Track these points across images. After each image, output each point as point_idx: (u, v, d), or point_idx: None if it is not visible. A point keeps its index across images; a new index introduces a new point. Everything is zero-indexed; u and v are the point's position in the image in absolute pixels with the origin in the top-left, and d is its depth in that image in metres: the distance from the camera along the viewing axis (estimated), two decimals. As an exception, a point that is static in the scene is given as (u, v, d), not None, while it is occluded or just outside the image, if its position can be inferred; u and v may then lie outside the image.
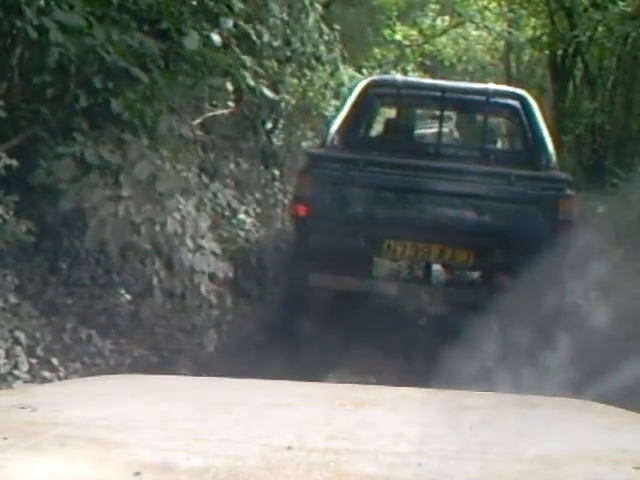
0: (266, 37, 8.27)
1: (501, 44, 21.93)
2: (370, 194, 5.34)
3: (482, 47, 24.22)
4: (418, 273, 5.81)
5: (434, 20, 22.17)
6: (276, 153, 8.70)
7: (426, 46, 22.98)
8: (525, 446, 1.31)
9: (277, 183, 8.19)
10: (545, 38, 14.02)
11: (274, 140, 8.78)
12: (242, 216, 6.91)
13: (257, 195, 7.48)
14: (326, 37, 7.97)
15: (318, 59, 7.85)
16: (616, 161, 11.40)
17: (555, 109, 14.44)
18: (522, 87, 18.86)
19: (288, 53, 8.59)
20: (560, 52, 13.73)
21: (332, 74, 8.06)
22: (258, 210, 7.39)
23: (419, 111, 8.29)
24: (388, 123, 7.26)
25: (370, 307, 5.44)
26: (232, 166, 7.52)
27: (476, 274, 5.75)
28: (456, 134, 9.27)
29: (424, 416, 1.56)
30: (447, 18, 22.16)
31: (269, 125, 8.73)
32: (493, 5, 20.91)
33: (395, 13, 18.64)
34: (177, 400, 1.62)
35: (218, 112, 8.12)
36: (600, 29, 11.48)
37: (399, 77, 7.39)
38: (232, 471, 1.10)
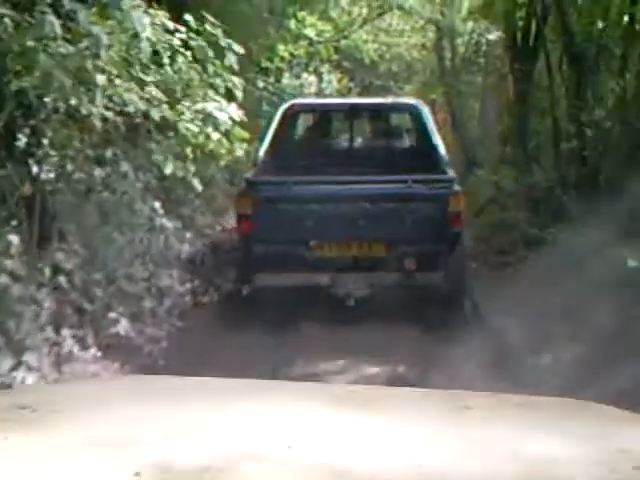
0: None
1: (432, 35, 18.13)
2: (298, 206, 6.62)
3: (408, 40, 20.56)
4: (346, 264, 6.68)
5: (348, 11, 18.57)
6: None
7: (343, 42, 19.40)
8: (525, 446, 1.33)
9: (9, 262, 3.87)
10: (500, 3, 9.83)
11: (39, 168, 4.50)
12: None
13: None
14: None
15: None
16: (623, 177, 7.45)
17: (517, 104, 10.40)
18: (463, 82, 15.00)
19: None
20: (521, 22, 9.75)
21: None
22: None
23: (333, 125, 9.62)
24: (308, 138, 8.84)
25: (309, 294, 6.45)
26: None
27: (392, 260, 6.67)
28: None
29: (424, 416, 1.59)
30: (365, 9, 18.63)
31: (23, 140, 4.46)
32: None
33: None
34: (177, 400, 1.63)
35: None
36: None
37: (316, 99, 9.87)
38: (232, 471, 1.13)
